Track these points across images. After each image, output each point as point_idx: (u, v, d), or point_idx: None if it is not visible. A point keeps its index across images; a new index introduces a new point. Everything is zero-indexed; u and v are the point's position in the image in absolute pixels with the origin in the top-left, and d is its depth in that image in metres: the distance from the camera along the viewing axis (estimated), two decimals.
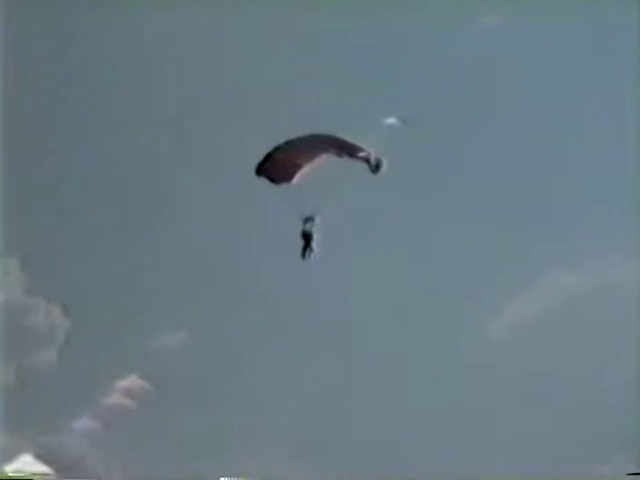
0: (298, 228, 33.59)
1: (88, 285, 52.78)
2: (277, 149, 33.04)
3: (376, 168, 32.48)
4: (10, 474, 44.31)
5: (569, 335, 50.49)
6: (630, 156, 52.90)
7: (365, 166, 32.58)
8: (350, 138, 32.67)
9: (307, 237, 33.52)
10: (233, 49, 55.65)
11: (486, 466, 45.03)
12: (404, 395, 50.33)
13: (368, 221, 51.50)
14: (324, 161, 32.95)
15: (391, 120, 33.15)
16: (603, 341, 49.82)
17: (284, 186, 33.10)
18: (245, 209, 51.00)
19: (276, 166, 33.02)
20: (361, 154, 32.33)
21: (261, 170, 33.17)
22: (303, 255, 33.61)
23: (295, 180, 32.94)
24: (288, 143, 33.08)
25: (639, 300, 50.67)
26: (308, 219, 33.47)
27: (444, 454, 47.74)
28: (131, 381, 52.21)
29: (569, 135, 54.62)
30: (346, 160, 32.58)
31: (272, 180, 33.15)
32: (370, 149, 32.51)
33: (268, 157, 33.12)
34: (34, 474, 44.55)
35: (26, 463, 44.74)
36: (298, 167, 33.09)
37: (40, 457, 45.26)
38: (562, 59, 55.68)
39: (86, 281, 52.79)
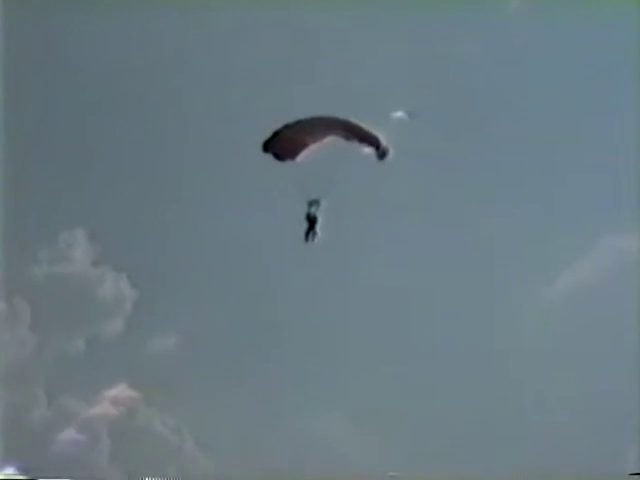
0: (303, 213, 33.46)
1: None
2: (285, 127, 32.75)
3: (382, 155, 32.09)
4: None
5: (624, 302, 49.55)
6: None
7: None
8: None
9: (311, 220, 33.24)
10: (238, 46, 56.23)
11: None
12: (461, 359, 50.54)
13: (409, 193, 51.66)
14: (331, 142, 32.69)
15: (399, 114, 32.71)
16: None
17: (291, 170, 32.95)
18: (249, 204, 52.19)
19: (282, 143, 32.55)
20: (369, 142, 32.05)
21: (268, 146, 32.93)
22: (306, 238, 33.34)
23: (299, 158, 32.65)
24: (297, 122, 32.78)
25: None
26: (313, 202, 33.07)
27: (499, 410, 48.13)
28: (120, 390, 52.76)
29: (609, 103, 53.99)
30: (355, 146, 32.38)
31: (277, 157, 32.88)
32: (379, 134, 32.24)
33: (276, 134, 32.92)
34: None
35: (8, 475, 45.60)
36: (304, 145, 32.63)
37: (23, 470, 46.15)
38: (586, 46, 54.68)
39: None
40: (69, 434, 54.09)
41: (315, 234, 33.06)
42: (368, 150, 32.12)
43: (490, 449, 45.61)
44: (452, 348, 51.21)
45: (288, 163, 32.72)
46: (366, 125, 32.17)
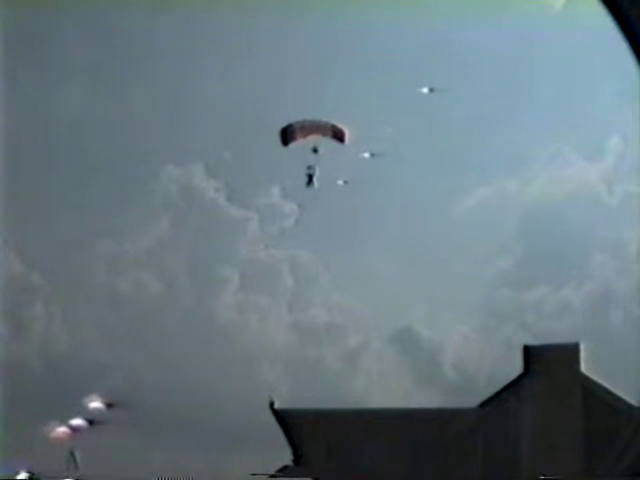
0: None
1: None
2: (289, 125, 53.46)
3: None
4: None
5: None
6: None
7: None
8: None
9: (310, 176, 54.47)
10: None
11: None
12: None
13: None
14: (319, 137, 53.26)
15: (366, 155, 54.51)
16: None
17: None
18: None
19: (284, 136, 53.17)
20: (338, 138, 52.55)
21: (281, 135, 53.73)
22: (307, 185, 54.71)
23: (290, 145, 53.02)
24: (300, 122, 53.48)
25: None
26: (311, 166, 54.24)
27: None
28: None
29: None
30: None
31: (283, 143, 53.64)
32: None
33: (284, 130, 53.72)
34: None
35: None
36: (294, 138, 53.15)
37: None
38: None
39: None
40: None
41: (312, 185, 54.53)
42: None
43: None
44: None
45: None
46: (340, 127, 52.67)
